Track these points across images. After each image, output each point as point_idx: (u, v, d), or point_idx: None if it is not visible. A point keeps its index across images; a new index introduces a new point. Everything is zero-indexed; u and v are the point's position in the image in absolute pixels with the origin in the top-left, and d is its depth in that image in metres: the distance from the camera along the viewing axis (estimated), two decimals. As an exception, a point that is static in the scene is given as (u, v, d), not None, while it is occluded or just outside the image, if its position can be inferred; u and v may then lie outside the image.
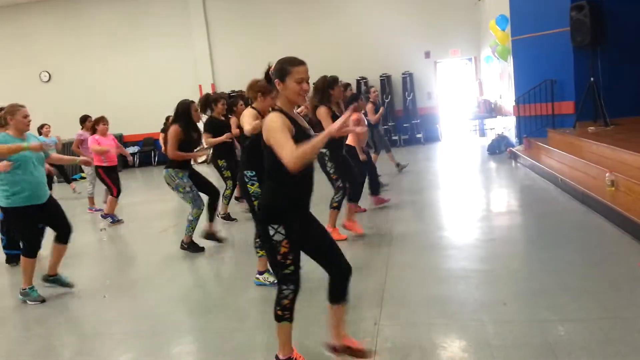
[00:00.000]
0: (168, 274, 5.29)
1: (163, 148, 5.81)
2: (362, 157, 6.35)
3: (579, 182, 6.52)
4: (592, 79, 8.78)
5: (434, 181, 9.08)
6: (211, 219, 5.99)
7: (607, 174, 5.98)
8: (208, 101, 6.84)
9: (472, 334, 3.29)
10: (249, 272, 4.79)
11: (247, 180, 4.49)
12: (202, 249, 5.84)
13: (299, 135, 2.65)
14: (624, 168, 6.02)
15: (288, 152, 2.50)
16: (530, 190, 7.54)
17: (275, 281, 2.90)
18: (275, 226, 2.71)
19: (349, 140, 6.39)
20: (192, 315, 4.16)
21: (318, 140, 2.48)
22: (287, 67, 2.70)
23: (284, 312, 2.83)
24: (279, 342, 2.94)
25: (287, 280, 2.79)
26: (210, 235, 6.03)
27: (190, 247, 5.84)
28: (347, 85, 7.45)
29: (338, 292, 2.91)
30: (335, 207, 5.62)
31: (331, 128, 2.51)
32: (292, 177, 2.60)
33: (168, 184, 5.72)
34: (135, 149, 16.39)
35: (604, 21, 8.71)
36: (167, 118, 12.52)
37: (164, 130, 12.23)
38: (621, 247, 4.62)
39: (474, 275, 4.30)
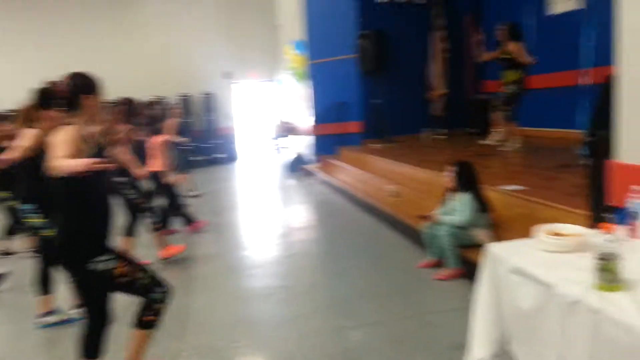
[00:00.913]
0: None
1: None
2: (168, 180, 6.10)
3: (367, 195, 7.09)
4: (376, 101, 9.71)
5: (234, 201, 9.09)
6: None
7: (390, 186, 6.59)
8: None
9: (277, 351, 3.30)
10: (23, 316, 4.16)
11: (26, 214, 3.85)
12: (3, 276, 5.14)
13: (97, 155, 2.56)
14: (404, 180, 6.72)
15: (59, 155, 2.37)
16: (325, 205, 7.99)
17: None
18: (101, 258, 2.58)
19: (155, 166, 6.07)
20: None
21: (79, 163, 2.32)
22: (93, 81, 2.68)
23: (157, 316, 2.78)
24: (135, 354, 2.78)
25: (150, 288, 2.73)
26: None
27: None
28: (128, 100, 6.99)
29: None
30: (158, 228, 5.35)
31: (88, 162, 2.32)
32: (93, 205, 2.57)
33: None
34: None
35: (386, 49, 9.72)
36: None
37: None
38: (404, 253, 5.10)
39: (277, 292, 4.35)
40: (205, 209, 8.26)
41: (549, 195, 4.34)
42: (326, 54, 10.60)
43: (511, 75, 6.83)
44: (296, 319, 3.76)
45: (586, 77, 4.97)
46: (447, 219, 4.33)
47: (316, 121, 10.84)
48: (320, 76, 10.80)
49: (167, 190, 6.38)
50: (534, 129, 7.94)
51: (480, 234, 4.28)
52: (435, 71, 9.97)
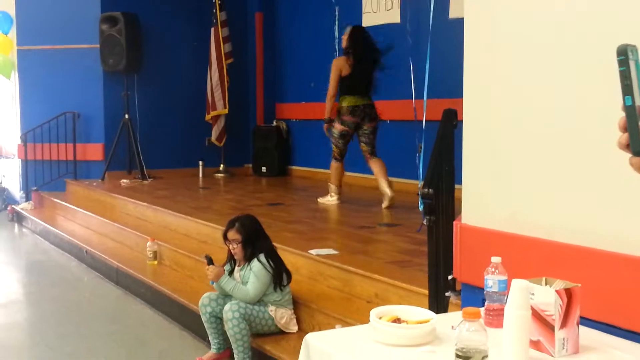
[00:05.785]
0: None
1: None
2: None
3: (113, 255, 6.82)
4: (126, 116, 9.49)
5: None
6: None
7: (148, 243, 6.42)
8: None
9: None
10: None
11: None
12: None
13: None
14: (169, 235, 6.62)
15: None
16: (43, 267, 7.58)
17: None
18: None
19: None
20: None
21: None
22: None
23: None
24: None
25: None
26: None
27: None
28: None
29: None
30: None
31: None
32: None
33: None
34: None
35: (143, 42, 9.63)
36: None
37: None
38: (173, 342, 4.98)
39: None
40: None
41: (367, 263, 4.61)
42: (49, 39, 10.16)
43: None
44: None
45: (418, 111, 5.49)
46: (235, 290, 4.27)
47: (29, 139, 10.23)
48: (35, 71, 10.29)
49: None
50: (355, 174, 8.43)
51: (282, 315, 4.33)
52: (213, 83, 10.14)
